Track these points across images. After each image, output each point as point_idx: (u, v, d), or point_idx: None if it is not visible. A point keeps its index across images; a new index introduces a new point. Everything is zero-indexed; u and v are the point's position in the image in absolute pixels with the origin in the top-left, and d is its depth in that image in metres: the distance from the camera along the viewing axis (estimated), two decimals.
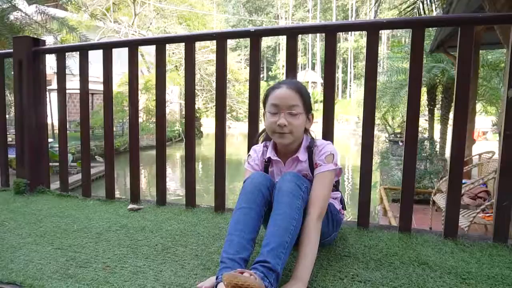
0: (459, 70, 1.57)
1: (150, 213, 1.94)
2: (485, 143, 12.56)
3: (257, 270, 1.05)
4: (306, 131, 1.43)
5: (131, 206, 2.05)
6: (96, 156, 9.41)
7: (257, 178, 1.29)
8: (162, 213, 1.94)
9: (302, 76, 33.85)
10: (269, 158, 1.43)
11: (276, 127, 1.32)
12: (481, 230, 3.66)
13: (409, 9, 4.80)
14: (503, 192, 1.55)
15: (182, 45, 2.06)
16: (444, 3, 4.29)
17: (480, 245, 1.52)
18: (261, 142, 1.52)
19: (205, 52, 19.42)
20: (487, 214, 3.37)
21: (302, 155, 1.38)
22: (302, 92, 1.35)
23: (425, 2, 4.59)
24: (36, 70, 2.35)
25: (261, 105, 1.52)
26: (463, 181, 3.16)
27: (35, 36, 2.52)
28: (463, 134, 1.59)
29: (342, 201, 1.54)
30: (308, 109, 1.38)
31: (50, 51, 2.52)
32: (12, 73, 2.38)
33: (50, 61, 2.64)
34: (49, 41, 7.33)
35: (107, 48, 2.18)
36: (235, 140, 18.78)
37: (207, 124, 21.89)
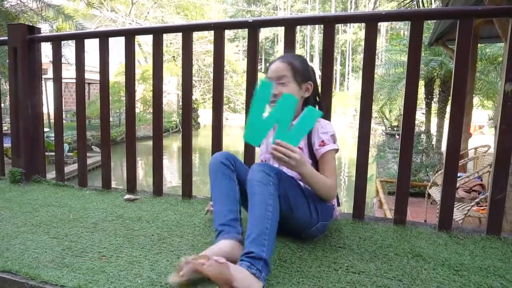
0: (457, 63, 1.57)
1: (147, 204, 1.95)
2: (482, 137, 12.63)
3: (243, 261, 1.08)
4: (308, 102, 1.49)
5: (127, 196, 2.05)
6: (92, 146, 9.38)
7: (215, 158, 1.40)
8: (158, 204, 1.94)
9: None
10: None
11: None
12: (475, 223, 3.70)
13: (408, 1, 4.78)
14: (497, 185, 1.56)
15: (180, 35, 2.04)
16: None
17: (474, 237, 1.54)
18: None
19: (203, 43, 19.26)
20: (482, 207, 3.41)
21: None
22: (293, 63, 1.42)
23: None
24: (32, 58, 2.32)
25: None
26: (459, 174, 3.18)
27: (31, 24, 2.49)
28: (459, 128, 1.59)
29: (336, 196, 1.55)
30: (302, 78, 1.42)
31: (46, 39, 2.49)
32: (7, 61, 2.35)
33: (46, 49, 2.61)
34: (45, 29, 7.24)
35: (103, 37, 2.16)
36: (232, 132, 18.76)
37: (205, 115, 21.83)
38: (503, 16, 2.02)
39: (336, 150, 1.40)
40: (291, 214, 1.33)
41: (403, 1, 4.88)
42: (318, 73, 1.64)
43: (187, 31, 1.99)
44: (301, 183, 1.38)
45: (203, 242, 1.44)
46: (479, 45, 6.12)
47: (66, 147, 7.50)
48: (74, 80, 2.26)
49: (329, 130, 1.41)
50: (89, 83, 13.06)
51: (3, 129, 2.60)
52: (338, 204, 1.59)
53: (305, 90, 1.45)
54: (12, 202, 1.95)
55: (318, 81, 1.63)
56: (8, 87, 2.41)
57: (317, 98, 1.59)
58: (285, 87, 1.39)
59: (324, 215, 1.41)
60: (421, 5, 4.59)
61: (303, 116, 1.24)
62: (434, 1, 5.06)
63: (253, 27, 1.85)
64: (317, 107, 1.54)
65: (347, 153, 13.85)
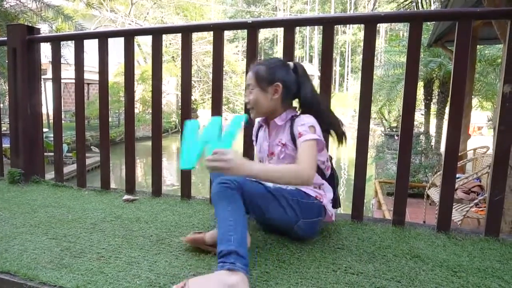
0: (456, 65, 1.57)
1: (145, 204, 1.95)
2: (481, 138, 12.63)
3: (219, 264, 1.09)
4: (288, 106, 1.50)
5: (126, 197, 2.05)
6: (91, 147, 9.36)
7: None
8: (157, 204, 1.94)
9: None
10: (260, 124, 1.61)
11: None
12: (474, 224, 3.70)
13: (407, 2, 4.78)
14: (496, 186, 1.56)
15: (179, 35, 2.04)
16: None
17: (472, 238, 1.54)
18: None
19: (203, 43, 19.26)
20: (480, 209, 3.41)
21: (279, 120, 1.47)
22: (258, 70, 1.45)
23: None
24: (31, 59, 2.32)
25: None
26: (457, 175, 3.18)
27: (30, 24, 2.49)
28: (458, 129, 1.60)
29: (336, 199, 1.56)
30: (267, 82, 1.44)
31: (45, 39, 2.49)
32: (6, 61, 2.35)
33: (45, 50, 2.61)
34: (44, 29, 7.23)
35: (102, 37, 2.16)
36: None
37: (204, 116, 21.82)
38: (501, 18, 2.02)
39: (318, 141, 1.37)
40: (265, 216, 1.35)
41: (402, 2, 4.89)
42: (317, 73, 1.64)
43: (186, 31, 2.00)
44: (270, 184, 1.37)
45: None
46: (478, 46, 6.12)
47: (65, 147, 7.50)
48: (74, 81, 2.26)
49: (307, 122, 1.39)
50: (88, 84, 13.05)
51: (2, 130, 2.60)
52: (337, 206, 1.59)
53: (273, 93, 1.44)
54: (11, 203, 1.95)
55: (317, 81, 1.63)
56: (7, 87, 2.40)
57: (300, 93, 1.49)
58: (251, 94, 1.46)
59: (305, 213, 1.39)
60: (420, 6, 4.60)
61: (230, 123, 1.32)
62: (433, 3, 5.07)
63: (253, 28, 1.85)
64: (297, 104, 1.53)
65: (346, 153, 13.86)
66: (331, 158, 1.61)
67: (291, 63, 1.51)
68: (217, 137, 1.27)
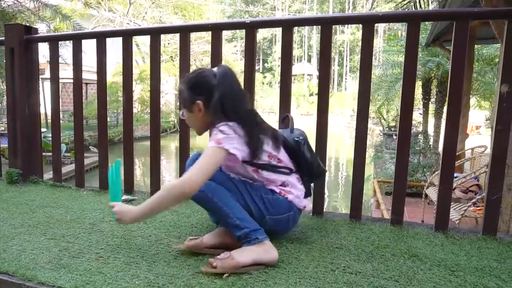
0: (454, 64, 1.58)
1: None
2: (479, 137, 12.66)
3: (244, 245, 1.27)
4: (223, 117, 1.32)
5: (125, 197, 2.04)
6: (90, 147, 9.35)
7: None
8: None
9: (298, 69, 33.77)
10: None
11: None
12: (471, 223, 3.72)
13: (405, 2, 4.79)
14: (493, 186, 1.57)
15: (178, 35, 2.04)
16: None
17: (470, 238, 1.55)
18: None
19: (201, 43, 19.25)
20: (478, 208, 3.42)
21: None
22: (180, 92, 1.43)
23: None
24: (29, 59, 2.32)
25: (255, 97, 1.52)
26: (455, 175, 3.20)
27: (28, 24, 2.49)
28: (456, 128, 1.60)
29: (308, 189, 1.52)
30: (189, 103, 1.38)
31: (43, 39, 2.48)
32: (4, 61, 2.35)
33: (43, 49, 2.61)
34: (42, 29, 7.21)
35: (101, 37, 2.16)
36: None
37: None
38: (498, 18, 2.03)
39: (219, 149, 1.26)
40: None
41: (400, 2, 4.90)
42: (316, 73, 1.63)
43: (184, 31, 1.99)
44: (237, 183, 1.35)
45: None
46: (476, 46, 6.14)
47: (63, 147, 7.47)
48: (72, 80, 2.26)
49: (216, 131, 1.30)
50: (86, 83, 13.02)
51: (0, 130, 2.59)
52: (308, 195, 1.52)
53: (197, 111, 1.36)
54: (9, 203, 1.94)
55: (315, 81, 1.62)
56: (5, 87, 2.40)
57: (230, 110, 1.33)
58: (185, 116, 1.44)
59: (271, 210, 1.36)
60: (418, 6, 4.60)
61: (110, 171, 1.44)
62: (431, 2, 5.08)
63: (251, 28, 1.86)
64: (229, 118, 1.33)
65: (345, 153, 13.87)
66: (304, 141, 1.49)
67: (214, 70, 1.38)
68: (115, 179, 1.45)
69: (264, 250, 1.25)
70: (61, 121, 2.42)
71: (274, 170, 1.40)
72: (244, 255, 1.23)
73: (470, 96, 6.47)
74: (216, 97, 1.32)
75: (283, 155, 1.43)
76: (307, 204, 1.47)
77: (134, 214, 1.31)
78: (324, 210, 1.83)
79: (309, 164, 1.49)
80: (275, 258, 1.26)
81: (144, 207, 1.30)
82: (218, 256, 1.22)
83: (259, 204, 1.35)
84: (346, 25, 36.00)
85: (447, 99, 1.62)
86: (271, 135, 1.39)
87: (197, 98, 1.36)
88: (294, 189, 1.42)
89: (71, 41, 2.25)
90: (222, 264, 1.19)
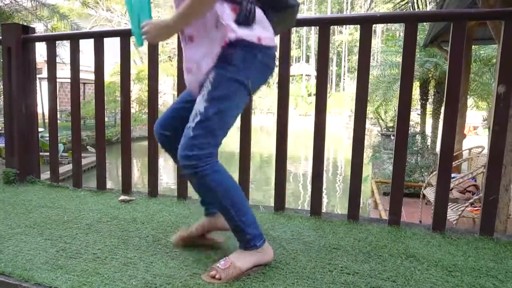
0: (451, 65, 1.58)
1: (142, 205, 1.94)
2: (476, 137, 12.71)
3: (246, 249, 1.24)
4: None
5: (122, 197, 2.04)
6: (87, 147, 9.33)
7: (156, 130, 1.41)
8: (153, 205, 1.94)
9: (296, 69, 33.81)
10: None
11: None
12: (469, 224, 3.73)
13: (403, 3, 4.80)
14: (490, 186, 1.57)
15: (176, 35, 2.03)
16: None
17: (467, 238, 1.55)
18: None
19: None
20: (475, 208, 3.43)
21: None
22: None
23: None
24: (26, 58, 2.31)
25: (253, 96, 1.50)
26: (453, 175, 3.20)
27: (25, 23, 2.48)
28: (453, 129, 1.60)
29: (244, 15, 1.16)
30: None
31: (40, 39, 2.47)
32: (1, 60, 2.34)
33: (41, 49, 2.60)
34: (40, 28, 7.19)
35: (98, 37, 2.15)
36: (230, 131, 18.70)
37: None
38: (495, 19, 2.03)
39: None
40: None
41: (398, 3, 4.91)
42: (314, 73, 1.61)
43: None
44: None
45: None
46: (473, 46, 6.16)
47: (60, 147, 7.45)
48: (69, 80, 2.25)
49: None
50: (84, 83, 12.99)
51: None
52: (242, 22, 1.16)
53: None
54: (5, 203, 1.93)
55: (314, 82, 1.62)
56: (2, 86, 2.39)
57: None
58: None
59: (250, 62, 1.17)
60: (416, 7, 4.61)
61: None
62: (429, 3, 5.09)
63: None
64: None
65: (343, 153, 13.89)
66: None
67: None
68: (141, 7, 1.28)
69: (263, 253, 1.26)
70: (58, 121, 2.42)
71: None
72: (246, 260, 1.21)
73: (468, 96, 6.49)
74: None
75: None
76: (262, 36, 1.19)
77: (165, 24, 1.18)
78: (322, 211, 1.83)
79: None
80: (272, 257, 1.28)
81: (174, 16, 1.15)
82: (219, 266, 1.18)
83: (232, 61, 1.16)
84: (344, 26, 36.04)
85: (444, 99, 1.62)
86: None
87: None
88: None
89: (69, 40, 2.24)
90: (226, 275, 1.15)
